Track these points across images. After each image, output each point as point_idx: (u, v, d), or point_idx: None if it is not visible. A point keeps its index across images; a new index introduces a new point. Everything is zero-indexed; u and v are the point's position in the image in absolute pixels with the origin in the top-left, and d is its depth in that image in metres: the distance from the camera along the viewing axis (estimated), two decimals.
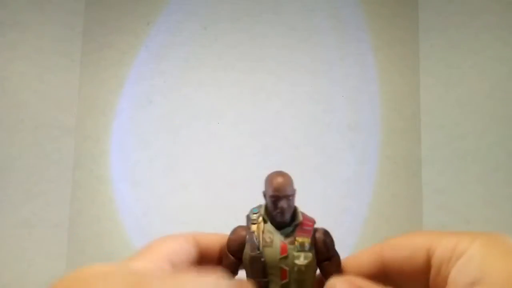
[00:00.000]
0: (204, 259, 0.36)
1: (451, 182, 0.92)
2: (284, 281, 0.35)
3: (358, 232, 0.94)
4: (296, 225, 0.36)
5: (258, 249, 0.35)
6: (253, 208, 0.37)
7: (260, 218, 0.36)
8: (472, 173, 0.90)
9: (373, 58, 0.99)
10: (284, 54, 0.99)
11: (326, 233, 0.37)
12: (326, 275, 0.37)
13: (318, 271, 0.37)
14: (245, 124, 0.98)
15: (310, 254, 0.35)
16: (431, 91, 0.97)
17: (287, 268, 0.35)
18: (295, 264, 0.35)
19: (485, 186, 0.88)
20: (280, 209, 0.35)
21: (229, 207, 0.93)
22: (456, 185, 0.92)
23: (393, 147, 0.97)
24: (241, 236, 0.36)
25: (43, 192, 0.94)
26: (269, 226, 0.36)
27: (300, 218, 0.36)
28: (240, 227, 0.37)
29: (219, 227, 0.99)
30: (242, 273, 0.37)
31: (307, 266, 0.35)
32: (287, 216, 0.36)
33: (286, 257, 0.35)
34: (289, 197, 0.35)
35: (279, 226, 0.36)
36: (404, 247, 0.31)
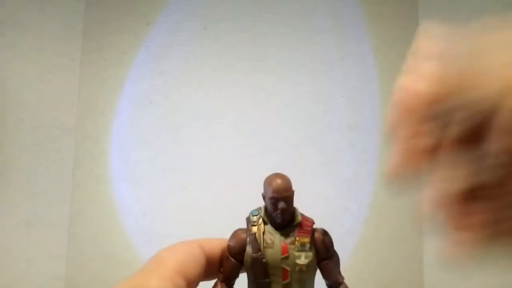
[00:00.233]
0: (208, 264, 0.36)
1: None
2: (286, 281, 0.35)
3: (358, 232, 0.94)
4: (296, 226, 0.37)
5: (260, 250, 0.35)
6: (253, 211, 0.38)
7: (260, 220, 0.37)
8: None
9: (373, 58, 0.99)
10: (284, 54, 0.99)
11: (325, 233, 0.37)
12: (326, 274, 0.37)
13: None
14: (245, 124, 0.98)
15: (310, 254, 0.36)
16: None
17: (288, 268, 0.35)
18: (296, 264, 0.35)
19: None
20: (280, 210, 0.36)
21: (229, 207, 0.93)
22: None
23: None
24: (241, 239, 0.37)
25: (43, 192, 0.94)
26: (269, 227, 0.37)
27: (300, 218, 0.37)
28: (240, 229, 0.37)
29: (219, 227, 0.99)
30: (243, 276, 0.37)
31: (308, 265, 0.35)
32: (287, 217, 0.36)
33: (287, 257, 0.35)
34: (288, 198, 0.36)
35: (279, 227, 0.36)
36: None
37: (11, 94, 0.92)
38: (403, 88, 0.24)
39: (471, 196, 0.20)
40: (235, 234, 0.37)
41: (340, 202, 0.95)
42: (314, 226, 0.37)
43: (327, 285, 0.38)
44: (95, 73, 1.00)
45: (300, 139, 0.97)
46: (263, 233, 0.36)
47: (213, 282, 0.38)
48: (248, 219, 0.37)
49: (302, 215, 0.37)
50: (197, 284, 0.34)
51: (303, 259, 0.35)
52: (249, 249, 0.36)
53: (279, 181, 0.36)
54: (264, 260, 0.35)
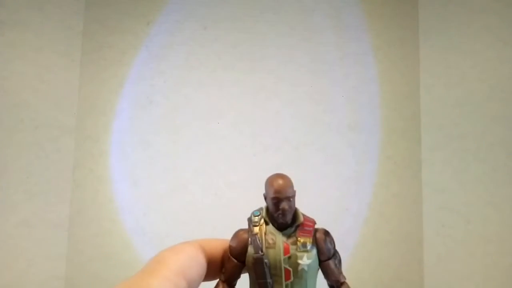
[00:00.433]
0: (209, 264, 0.36)
1: (451, 182, 0.92)
2: (288, 281, 0.35)
3: (358, 232, 0.94)
4: (298, 226, 0.37)
5: (261, 251, 0.35)
6: (254, 211, 0.38)
7: (262, 220, 0.37)
8: (472, 173, 0.90)
9: (373, 58, 0.99)
10: (284, 54, 0.99)
11: (326, 233, 0.37)
12: (327, 275, 0.37)
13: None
14: (245, 124, 0.98)
15: (312, 254, 0.36)
16: (431, 91, 0.97)
17: (290, 269, 0.35)
18: (298, 264, 0.35)
19: (485, 186, 0.88)
20: (281, 211, 0.36)
21: (229, 207, 0.94)
22: (456, 185, 0.92)
23: (393, 147, 0.97)
24: (243, 239, 0.37)
25: (43, 192, 0.94)
26: (271, 227, 0.37)
27: (301, 218, 0.37)
28: (241, 230, 0.38)
29: (219, 227, 0.99)
30: (245, 276, 0.37)
31: (310, 265, 0.35)
32: (289, 217, 0.36)
33: (289, 258, 0.35)
34: (290, 198, 0.36)
35: (281, 227, 0.37)
36: None
37: (10, 94, 0.92)
38: None
39: None
40: (236, 234, 0.37)
41: (340, 202, 0.95)
42: (316, 226, 0.37)
43: (328, 285, 0.38)
44: (95, 73, 0.99)
45: (300, 139, 0.97)
46: (265, 234, 0.36)
47: (214, 282, 0.38)
48: (249, 220, 0.37)
49: (303, 215, 0.37)
50: (198, 285, 0.34)
51: (305, 259, 0.35)
52: (250, 249, 0.36)
53: (280, 181, 0.36)
54: (266, 261, 0.35)
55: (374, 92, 0.98)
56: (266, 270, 0.35)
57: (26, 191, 0.92)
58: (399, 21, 1.00)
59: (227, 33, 1.00)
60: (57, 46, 0.98)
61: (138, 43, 1.00)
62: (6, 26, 0.92)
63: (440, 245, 0.92)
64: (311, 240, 0.36)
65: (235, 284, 0.38)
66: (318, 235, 0.37)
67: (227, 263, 0.37)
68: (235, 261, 0.37)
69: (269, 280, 0.35)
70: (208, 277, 0.36)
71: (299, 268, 0.35)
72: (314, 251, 0.36)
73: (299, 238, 0.36)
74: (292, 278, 0.35)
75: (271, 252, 0.35)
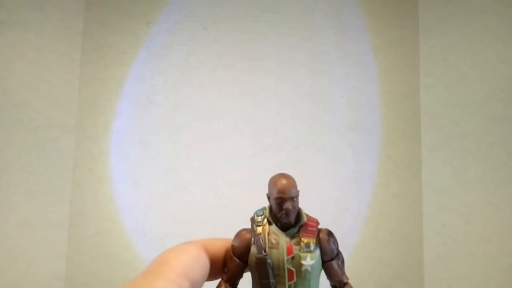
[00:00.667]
0: (212, 264, 0.36)
1: (451, 182, 0.92)
2: (291, 282, 0.35)
3: (358, 232, 0.94)
4: (301, 226, 0.36)
5: (265, 251, 0.35)
6: (257, 211, 0.38)
7: (265, 220, 0.37)
8: (472, 173, 0.90)
9: (373, 58, 0.99)
10: (284, 53, 0.99)
11: (330, 233, 0.37)
12: (330, 275, 0.37)
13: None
14: (245, 124, 0.98)
15: (316, 254, 0.36)
16: (431, 91, 0.97)
17: (293, 269, 0.35)
18: (302, 265, 0.35)
19: (485, 186, 0.88)
20: (285, 211, 0.35)
21: (229, 207, 0.93)
22: (456, 185, 0.92)
23: (393, 147, 0.97)
24: (246, 239, 0.36)
25: (43, 192, 0.94)
26: (274, 227, 0.36)
27: (305, 219, 0.37)
28: (244, 230, 0.37)
29: (219, 227, 0.99)
30: (247, 275, 0.37)
31: (313, 266, 0.35)
32: (292, 217, 0.36)
33: (292, 258, 0.35)
34: (294, 198, 0.36)
35: (284, 227, 0.36)
36: None
37: (10, 94, 0.92)
38: None
39: None
40: (239, 234, 0.37)
41: (340, 202, 0.95)
42: (319, 227, 0.37)
43: (331, 285, 0.37)
44: (95, 73, 0.99)
45: (300, 139, 0.97)
46: (268, 234, 0.36)
47: (216, 282, 0.37)
48: (252, 219, 0.37)
49: (307, 215, 0.37)
50: (201, 285, 0.34)
51: (308, 260, 0.35)
52: (253, 249, 0.36)
53: (284, 181, 0.36)
54: (269, 261, 0.35)
55: (374, 92, 0.98)
56: (269, 270, 0.35)
57: (26, 191, 0.92)
58: (399, 21, 1.00)
59: (227, 33, 1.00)
60: (57, 46, 0.98)
61: (138, 43, 1.00)
62: (6, 26, 0.92)
63: (440, 245, 0.92)
64: (314, 241, 0.36)
65: (237, 284, 0.37)
66: (322, 235, 0.37)
67: (229, 263, 0.37)
68: (238, 260, 0.36)
69: (272, 281, 0.35)
70: (210, 276, 0.36)
71: (303, 268, 0.35)
72: (318, 252, 0.36)
73: (302, 239, 0.36)
74: (295, 279, 0.35)
75: (274, 252, 0.35)
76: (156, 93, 0.99)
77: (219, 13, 1.01)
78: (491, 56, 0.90)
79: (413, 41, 0.99)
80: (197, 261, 0.34)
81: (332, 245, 0.37)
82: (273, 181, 0.37)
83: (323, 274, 0.37)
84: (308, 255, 0.35)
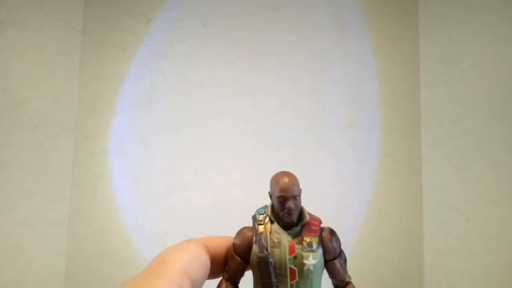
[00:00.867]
0: (213, 263, 0.36)
1: (451, 179, 0.92)
2: (293, 281, 0.34)
3: (358, 230, 0.94)
4: (303, 225, 0.36)
5: (266, 250, 0.35)
6: (259, 209, 0.37)
7: (267, 219, 0.36)
8: (472, 171, 0.90)
9: (373, 57, 0.99)
10: (284, 52, 0.99)
11: (332, 232, 0.37)
12: (332, 274, 0.36)
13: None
14: (245, 122, 0.98)
15: (318, 254, 0.35)
16: (431, 89, 0.97)
17: (295, 268, 0.34)
18: (304, 264, 0.35)
19: (485, 183, 0.88)
20: (287, 209, 0.35)
21: (228, 205, 0.93)
22: (456, 182, 0.92)
23: (393, 145, 0.97)
24: (247, 237, 0.36)
25: (42, 190, 0.94)
26: (276, 226, 0.36)
27: (307, 217, 0.36)
28: (245, 228, 0.37)
29: (219, 225, 0.99)
30: (249, 274, 0.37)
31: (316, 265, 0.35)
32: (295, 216, 0.36)
33: (294, 257, 0.35)
34: (296, 197, 0.35)
35: (286, 226, 0.36)
36: None
37: (10, 92, 0.92)
38: None
39: None
40: (241, 232, 0.37)
41: (340, 200, 0.95)
42: (321, 225, 0.37)
43: (333, 284, 0.37)
44: (94, 72, 0.99)
45: (300, 137, 0.97)
46: (270, 233, 0.35)
47: (218, 280, 0.37)
48: (254, 218, 0.37)
49: (309, 214, 0.37)
50: (202, 284, 0.34)
51: (311, 259, 0.35)
52: (255, 248, 0.35)
53: (286, 179, 0.35)
54: (271, 260, 0.34)
55: (374, 90, 0.98)
56: (271, 269, 0.34)
57: (26, 189, 0.92)
58: (399, 19, 1.00)
59: (226, 31, 1.00)
60: (57, 45, 0.97)
61: (137, 41, 0.99)
62: (5, 25, 0.92)
63: (440, 243, 0.92)
64: (317, 240, 0.35)
65: (238, 282, 0.37)
66: (324, 234, 0.36)
67: (230, 261, 0.36)
68: (239, 259, 0.36)
69: (274, 280, 0.34)
70: (211, 275, 0.36)
71: (305, 268, 0.34)
72: (320, 251, 0.35)
73: (304, 238, 0.35)
74: (297, 278, 0.34)
75: (276, 251, 0.35)
76: (156, 92, 0.98)
77: (218, 11, 1.00)
78: (491, 54, 0.90)
79: (413, 39, 0.99)
80: (198, 259, 0.33)
81: (335, 244, 0.36)
82: (275, 179, 0.36)
83: (325, 273, 0.37)
84: (311, 254, 0.35)
